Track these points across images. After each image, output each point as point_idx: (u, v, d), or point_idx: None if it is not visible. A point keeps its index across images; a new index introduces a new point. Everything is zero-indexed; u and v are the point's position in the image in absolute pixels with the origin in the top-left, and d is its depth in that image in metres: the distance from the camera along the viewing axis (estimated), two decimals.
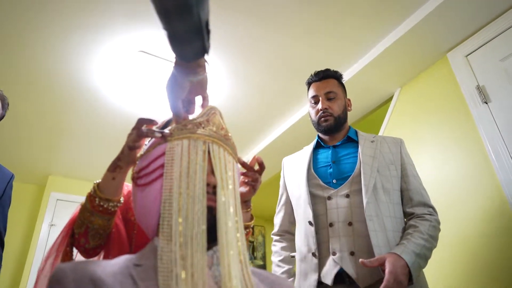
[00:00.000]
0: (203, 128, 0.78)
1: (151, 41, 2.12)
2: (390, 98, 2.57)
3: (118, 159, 0.83)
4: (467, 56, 2.02)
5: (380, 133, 2.49)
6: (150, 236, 0.73)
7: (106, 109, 2.79)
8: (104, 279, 0.57)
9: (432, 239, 1.21)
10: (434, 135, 2.10)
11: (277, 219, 1.59)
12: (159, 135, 0.77)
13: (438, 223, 1.28)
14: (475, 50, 1.98)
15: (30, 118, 2.87)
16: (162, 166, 0.72)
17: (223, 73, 2.41)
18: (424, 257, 1.16)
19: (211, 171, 0.73)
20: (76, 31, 2.03)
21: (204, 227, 0.64)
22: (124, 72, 2.38)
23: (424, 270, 1.23)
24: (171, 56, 2.28)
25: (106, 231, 0.87)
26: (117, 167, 0.83)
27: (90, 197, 0.84)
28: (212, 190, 0.71)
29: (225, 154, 0.77)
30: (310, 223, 1.31)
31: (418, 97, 2.31)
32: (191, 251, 0.62)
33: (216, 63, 2.30)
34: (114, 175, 0.83)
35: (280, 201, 1.59)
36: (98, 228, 0.84)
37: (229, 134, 0.84)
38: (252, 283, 0.65)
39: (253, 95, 2.67)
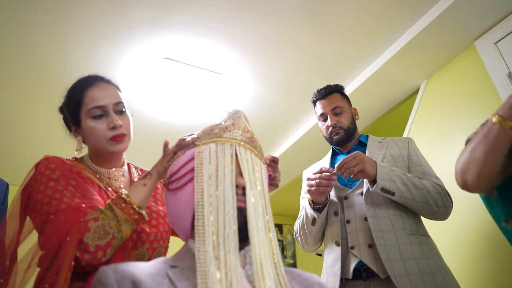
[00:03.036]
0: (230, 131, 0.80)
1: (175, 48, 2.17)
2: (417, 91, 2.51)
3: (153, 167, 0.88)
4: (496, 43, 1.95)
5: (407, 127, 2.43)
6: (184, 238, 0.76)
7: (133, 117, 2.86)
8: (143, 280, 0.61)
9: (421, 185, 1.25)
10: (465, 126, 2.03)
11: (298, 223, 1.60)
12: (187, 145, 0.80)
13: (442, 188, 1.30)
14: (504, 37, 1.91)
15: (54, 126, 2.96)
16: (192, 170, 0.75)
17: (247, 75, 2.43)
18: (400, 179, 1.22)
19: (240, 173, 0.75)
20: (101, 41, 2.09)
21: (235, 227, 0.66)
22: (149, 80, 2.44)
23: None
24: (196, 61, 2.31)
25: (123, 242, 0.81)
26: (148, 174, 0.88)
27: (122, 205, 0.80)
28: (241, 191, 0.73)
29: (252, 156, 0.79)
30: (335, 213, 1.38)
31: (446, 88, 2.24)
32: (224, 251, 0.64)
33: (239, 64, 2.33)
34: (145, 181, 0.87)
35: (301, 210, 1.61)
36: (123, 238, 0.80)
37: (255, 137, 0.86)
38: (286, 282, 0.66)
39: (276, 95, 2.68)
